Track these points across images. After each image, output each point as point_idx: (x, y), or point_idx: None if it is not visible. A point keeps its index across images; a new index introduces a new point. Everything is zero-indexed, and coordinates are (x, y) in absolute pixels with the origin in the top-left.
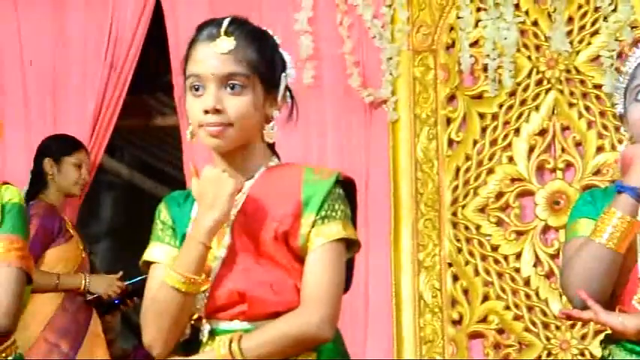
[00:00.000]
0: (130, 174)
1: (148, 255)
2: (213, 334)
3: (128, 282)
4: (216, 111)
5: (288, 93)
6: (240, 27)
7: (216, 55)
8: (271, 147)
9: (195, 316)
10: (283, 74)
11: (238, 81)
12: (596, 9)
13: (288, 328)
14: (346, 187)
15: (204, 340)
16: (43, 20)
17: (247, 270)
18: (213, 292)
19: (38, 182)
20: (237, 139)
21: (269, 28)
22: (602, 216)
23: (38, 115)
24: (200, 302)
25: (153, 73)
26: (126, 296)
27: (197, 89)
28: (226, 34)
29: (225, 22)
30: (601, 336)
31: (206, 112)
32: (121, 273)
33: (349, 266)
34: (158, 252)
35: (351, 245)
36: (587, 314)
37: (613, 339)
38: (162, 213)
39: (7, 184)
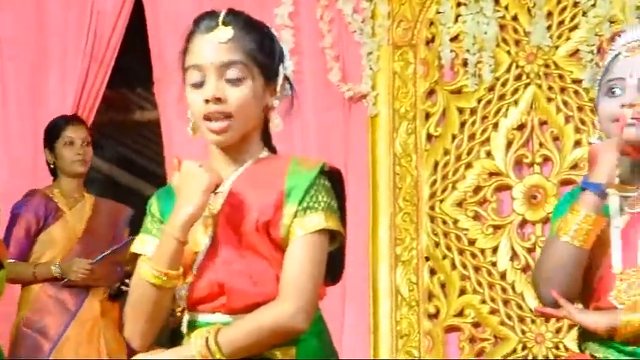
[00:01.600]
0: (109, 169)
1: (135, 247)
2: (194, 326)
3: (92, 262)
4: (217, 100)
5: (287, 84)
6: (238, 17)
7: (214, 45)
8: (265, 139)
9: (180, 308)
10: (282, 64)
11: (237, 69)
12: (576, 4)
13: (263, 320)
14: (333, 177)
15: (185, 331)
16: (23, 14)
17: (228, 262)
18: (194, 283)
19: (52, 173)
20: (239, 131)
21: None
22: (567, 214)
23: (17, 109)
24: (183, 294)
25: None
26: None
27: (198, 81)
28: (224, 24)
29: (223, 13)
30: (575, 330)
31: (207, 101)
32: (94, 259)
33: (338, 257)
34: (145, 244)
35: (336, 236)
36: (562, 312)
37: (587, 336)
38: (153, 206)
39: None
